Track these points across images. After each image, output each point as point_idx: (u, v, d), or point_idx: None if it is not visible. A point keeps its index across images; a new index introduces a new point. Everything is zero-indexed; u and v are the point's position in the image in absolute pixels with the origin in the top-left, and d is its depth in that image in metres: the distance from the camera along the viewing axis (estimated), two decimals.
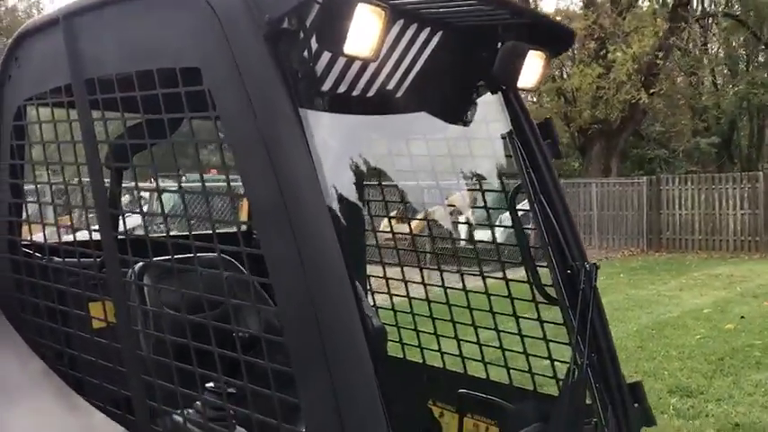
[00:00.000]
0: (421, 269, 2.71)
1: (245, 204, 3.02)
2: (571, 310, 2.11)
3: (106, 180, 2.16)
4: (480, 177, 2.43)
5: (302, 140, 1.54)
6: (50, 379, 1.97)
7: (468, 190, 2.53)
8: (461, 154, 2.34)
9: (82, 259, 2.13)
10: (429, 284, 2.63)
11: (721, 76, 22.50)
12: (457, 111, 2.38)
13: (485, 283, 2.44)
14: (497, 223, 2.57)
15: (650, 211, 15.96)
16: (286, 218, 1.49)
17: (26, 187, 2.33)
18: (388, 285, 2.81)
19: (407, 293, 2.70)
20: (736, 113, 21.50)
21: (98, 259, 2.09)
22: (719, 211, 15.33)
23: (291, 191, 1.50)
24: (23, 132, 2.27)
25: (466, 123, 2.37)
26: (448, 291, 2.55)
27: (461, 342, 2.58)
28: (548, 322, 2.23)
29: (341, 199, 1.89)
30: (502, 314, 2.41)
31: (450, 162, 2.35)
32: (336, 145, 1.93)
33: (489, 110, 2.30)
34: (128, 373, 1.86)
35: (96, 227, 1.98)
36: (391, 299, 2.75)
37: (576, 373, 1.92)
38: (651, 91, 16.43)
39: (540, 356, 2.28)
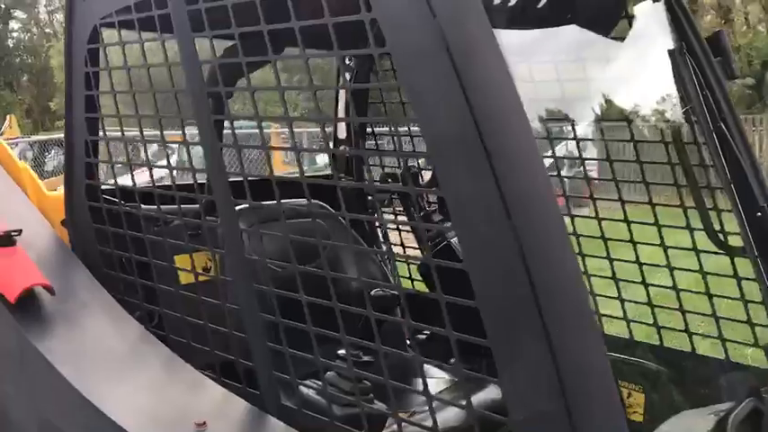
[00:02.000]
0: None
1: None
2: (762, 260, 1.77)
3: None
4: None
5: (497, 48, 1.18)
6: (153, 346, 1.67)
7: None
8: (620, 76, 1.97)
9: (174, 206, 1.82)
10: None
11: (754, 15, 21.60)
12: (610, 23, 2.01)
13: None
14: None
15: None
16: (480, 147, 1.15)
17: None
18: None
19: None
20: None
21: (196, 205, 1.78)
22: None
23: (488, 111, 1.15)
24: (98, 57, 1.93)
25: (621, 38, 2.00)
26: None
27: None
28: (745, 279, 1.88)
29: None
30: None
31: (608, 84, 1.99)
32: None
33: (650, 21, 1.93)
34: (250, 339, 1.56)
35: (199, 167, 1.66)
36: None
37: None
38: None
39: (734, 320, 1.94)
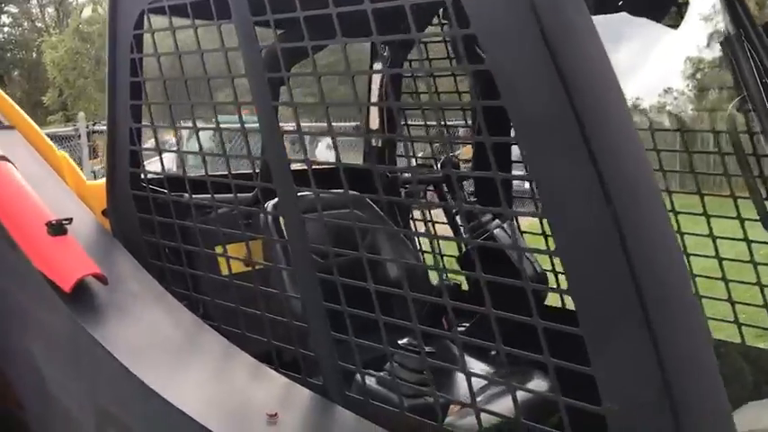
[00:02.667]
0: None
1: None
2: None
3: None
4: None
5: (594, 30, 1.16)
6: (209, 334, 1.64)
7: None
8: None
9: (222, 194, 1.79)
10: None
11: None
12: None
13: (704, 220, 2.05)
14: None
15: None
16: (576, 127, 1.12)
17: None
18: None
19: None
20: None
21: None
22: None
23: (584, 90, 1.13)
24: (143, 43, 1.89)
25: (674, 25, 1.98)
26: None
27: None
28: None
29: None
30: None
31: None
32: None
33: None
34: (312, 328, 1.53)
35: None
36: None
37: None
38: None
39: None
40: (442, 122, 2.61)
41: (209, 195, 1.76)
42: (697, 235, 2.11)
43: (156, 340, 1.61)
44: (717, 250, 2.05)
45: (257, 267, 1.79)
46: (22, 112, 2.20)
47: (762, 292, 1.99)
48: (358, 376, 1.53)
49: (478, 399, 1.36)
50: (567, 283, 1.17)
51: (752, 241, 2.00)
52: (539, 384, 1.93)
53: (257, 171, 1.90)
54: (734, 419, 1.58)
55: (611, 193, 1.09)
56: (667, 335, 1.09)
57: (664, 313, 1.09)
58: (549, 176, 1.16)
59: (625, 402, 1.12)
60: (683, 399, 1.09)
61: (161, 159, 1.89)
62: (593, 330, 1.14)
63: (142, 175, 1.95)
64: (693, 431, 1.10)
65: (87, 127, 10.41)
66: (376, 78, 2.74)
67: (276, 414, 1.38)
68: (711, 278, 2.08)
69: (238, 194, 1.73)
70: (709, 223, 2.07)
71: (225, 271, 1.83)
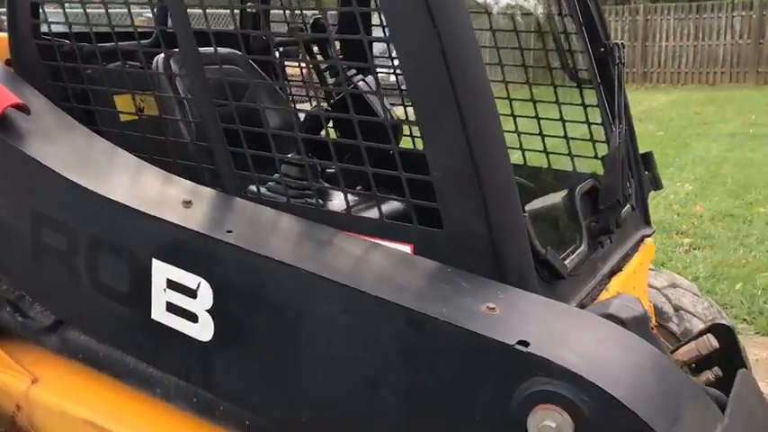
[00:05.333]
0: None
1: None
2: (604, 87, 2.32)
3: None
4: None
5: None
6: (127, 155, 1.97)
7: None
8: None
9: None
10: None
11: None
12: None
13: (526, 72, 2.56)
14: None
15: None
16: None
17: None
18: None
19: None
20: None
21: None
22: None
23: None
24: None
25: None
26: None
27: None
28: (590, 105, 2.40)
29: None
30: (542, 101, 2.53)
31: None
32: None
33: None
34: (213, 145, 1.90)
35: None
36: None
37: (618, 140, 2.16)
38: None
39: (581, 139, 2.46)
40: None
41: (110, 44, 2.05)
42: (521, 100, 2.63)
43: (81, 157, 1.94)
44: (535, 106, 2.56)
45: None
46: None
47: (563, 125, 2.53)
48: (252, 187, 1.93)
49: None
50: (407, 89, 1.62)
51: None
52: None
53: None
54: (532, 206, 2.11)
55: (436, 19, 1.53)
56: (474, 125, 1.56)
57: (472, 109, 1.56)
58: (393, 10, 1.58)
59: (446, 171, 1.60)
60: (484, 170, 1.57)
61: (64, 11, 2.14)
62: (425, 123, 1.60)
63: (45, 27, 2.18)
64: (492, 196, 1.59)
65: None
66: None
67: (190, 201, 1.78)
68: (526, 117, 2.62)
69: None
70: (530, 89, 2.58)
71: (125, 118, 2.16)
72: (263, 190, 1.93)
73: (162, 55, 2.32)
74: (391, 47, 2.13)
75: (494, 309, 1.39)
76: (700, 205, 6.81)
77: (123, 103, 2.24)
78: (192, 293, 1.66)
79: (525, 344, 1.28)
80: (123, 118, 2.20)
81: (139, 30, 2.18)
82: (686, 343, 1.92)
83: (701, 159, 8.71)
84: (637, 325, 1.45)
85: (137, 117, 2.13)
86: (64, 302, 1.94)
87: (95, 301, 1.83)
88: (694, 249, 5.68)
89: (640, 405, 1.20)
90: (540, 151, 2.59)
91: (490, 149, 1.59)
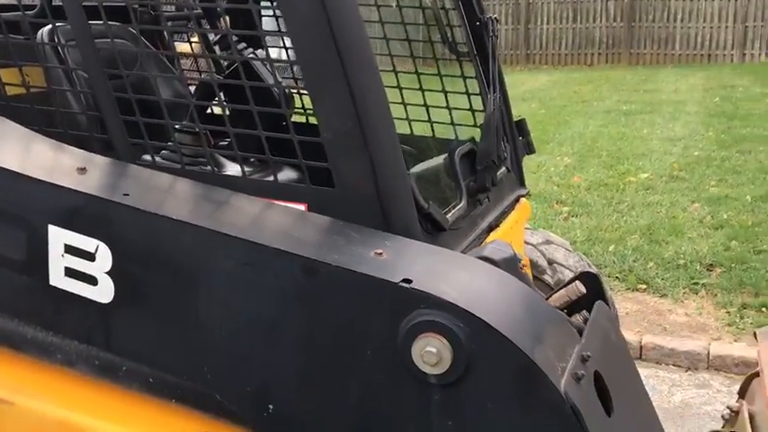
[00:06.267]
0: None
1: None
2: (480, 59, 2.50)
3: None
4: None
5: None
6: (14, 125, 1.97)
7: None
8: None
9: None
10: None
11: None
12: None
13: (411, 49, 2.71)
14: None
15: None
16: None
17: None
18: None
19: None
20: None
21: None
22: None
23: None
24: None
25: None
26: None
27: None
28: (468, 77, 2.58)
29: None
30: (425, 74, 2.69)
31: None
32: None
33: None
34: (105, 115, 1.93)
35: None
36: None
37: (492, 107, 2.35)
38: None
39: (462, 108, 2.64)
40: None
41: None
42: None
43: None
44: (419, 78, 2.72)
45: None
46: None
47: (445, 97, 2.70)
48: (146, 156, 1.98)
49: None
50: (297, 59, 1.72)
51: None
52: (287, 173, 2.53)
53: None
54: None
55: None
56: (359, 90, 1.68)
57: (358, 75, 1.68)
58: None
59: (335, 133, 1.72)
60: (370, 131, 1.70)
61: None
62: (315, 89, 1.71)
63: None
64: (378, 155, 1.72)
65: None
66: None
67: (85, 168, 1.81)
68: (410, 89, 2.78)
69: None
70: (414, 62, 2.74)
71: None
72: (157, 158, 1.98)
73: (48, 27, 2.30)
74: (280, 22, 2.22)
75: (381, 254, 1.53)
76: (577, 176, 7.28)
77: (8, 76, 2.22)
78: (90, 257, 1.70)
79: (408, 281, 1.42)
80: (10, 92, 2.18)
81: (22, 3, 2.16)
82: (558, 290, 2.14)
83: (579, 135, 9.27)
84: (507, 265, 1.63)
85: (24, 91, 2.12)
86: None
87: None
88: (572, 217, 6.10)
89: (508, 328, 1.37)
90: (424, 121, 2.76)
91: (375, 112, 1.72)
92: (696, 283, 4.77)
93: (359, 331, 1.48)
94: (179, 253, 1.64)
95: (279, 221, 1.70)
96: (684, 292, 4.69)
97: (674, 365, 4.03)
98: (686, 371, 4.03)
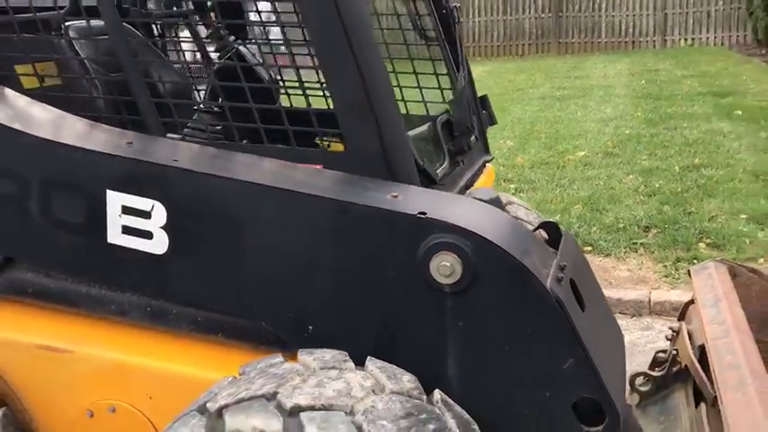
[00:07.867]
0: None
1: None
2: (447, 43, 2.89)
3: None
4: None
5: None
6: (43, 107, 2.25)
7: None
8: None
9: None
10: None
11: None
12: None
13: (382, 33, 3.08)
14: None
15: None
16: None
17: None
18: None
19: None
20: None
21: None
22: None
23: None
24: None
25: None
26: None
27: None
28: (436, 60, 2.96)
29: None
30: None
31: None
32: None
33: None
34: (136, 96, 2.22)
35: None
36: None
37: (462, 82, 2.74)
38: None
39: (432, 87, 3.01)
40: None
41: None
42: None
43: (23, 114, 2.19)
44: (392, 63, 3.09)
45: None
46: None
47: (416, 77, 3.07)
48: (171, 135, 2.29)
49: None
50: (312, 44, 2.07)
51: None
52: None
53: None
54: None
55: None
56: (366, 66, 2.03)
57: (364, 54, 2.03)
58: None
59: (346, 104, 2.06)
60: (376, 101, 2.05)
61: None
62: (328, 67, 2.06)
63: None
64: (383, 121, 2.08)
65: None
66: None
67: (132, 142, 2.11)
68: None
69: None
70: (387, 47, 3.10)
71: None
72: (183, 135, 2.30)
73: (76, 23, 2.57)
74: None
75: (396, 196, 1.90)
76: (520, 157, 7.80)
77: (26, 71, 2.48)
78: (146, 215, 2.01)
79: (424, 213, 1.80)
80: (26, 86, 2.45)
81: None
82: None
83: (518, 120, 9.82)
84: (494, 203, 2.03)
85: (41, 84, 2.39)
86: (14, 241, 2.20)
87: (50, 235, 2.12)
88: (519, 192, 6.59)
89: (503, 242, 1.77)
90: (399, 100, 3.13)
91: (379, 85, 2.08)
92: (635, 243, 5.31)
93: (384, 256, 1.84)
94: (227, 205, 1.97)
95: (306, 176, 2.05)
96: (625, 251, 5.22)
97: (620, 313, 4.54)
98: (632, 317, 4.55)
